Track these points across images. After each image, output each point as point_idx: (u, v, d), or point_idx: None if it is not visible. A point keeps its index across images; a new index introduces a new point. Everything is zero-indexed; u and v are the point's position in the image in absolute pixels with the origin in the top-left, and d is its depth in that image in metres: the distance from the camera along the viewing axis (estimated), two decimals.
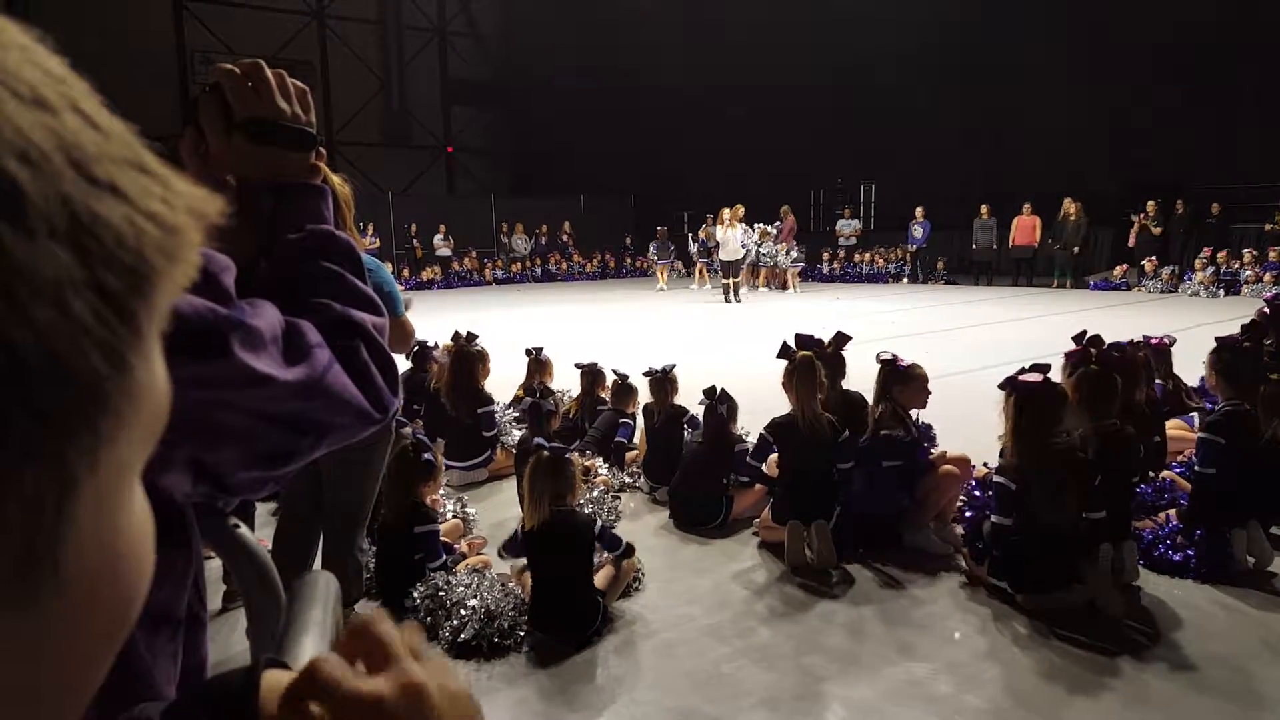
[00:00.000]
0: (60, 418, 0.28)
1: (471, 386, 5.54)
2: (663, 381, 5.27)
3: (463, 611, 3.41)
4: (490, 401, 5.58)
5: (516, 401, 6.19)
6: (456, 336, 5.71)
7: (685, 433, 5.13)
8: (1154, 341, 5.58)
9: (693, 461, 4.77)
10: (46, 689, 0.32)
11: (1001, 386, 3.86)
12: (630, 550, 3.75)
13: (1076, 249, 18.41)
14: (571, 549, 3.49)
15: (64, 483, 0.29)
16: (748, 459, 4.53)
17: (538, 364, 6.22)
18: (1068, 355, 4.46)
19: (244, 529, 1.22)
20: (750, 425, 5.00)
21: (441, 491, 4.59)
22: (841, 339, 4.81)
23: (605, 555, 3.71)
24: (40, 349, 0.27)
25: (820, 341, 4.57)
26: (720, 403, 4.83)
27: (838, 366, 4.74)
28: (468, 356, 5.57)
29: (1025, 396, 3.71)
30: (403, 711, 0.45)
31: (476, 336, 5.76)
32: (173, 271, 0.32)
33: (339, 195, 3.06)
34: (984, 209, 19.28)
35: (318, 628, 0.94)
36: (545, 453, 3.60)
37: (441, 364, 5.71)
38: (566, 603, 3.45)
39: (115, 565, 0.34)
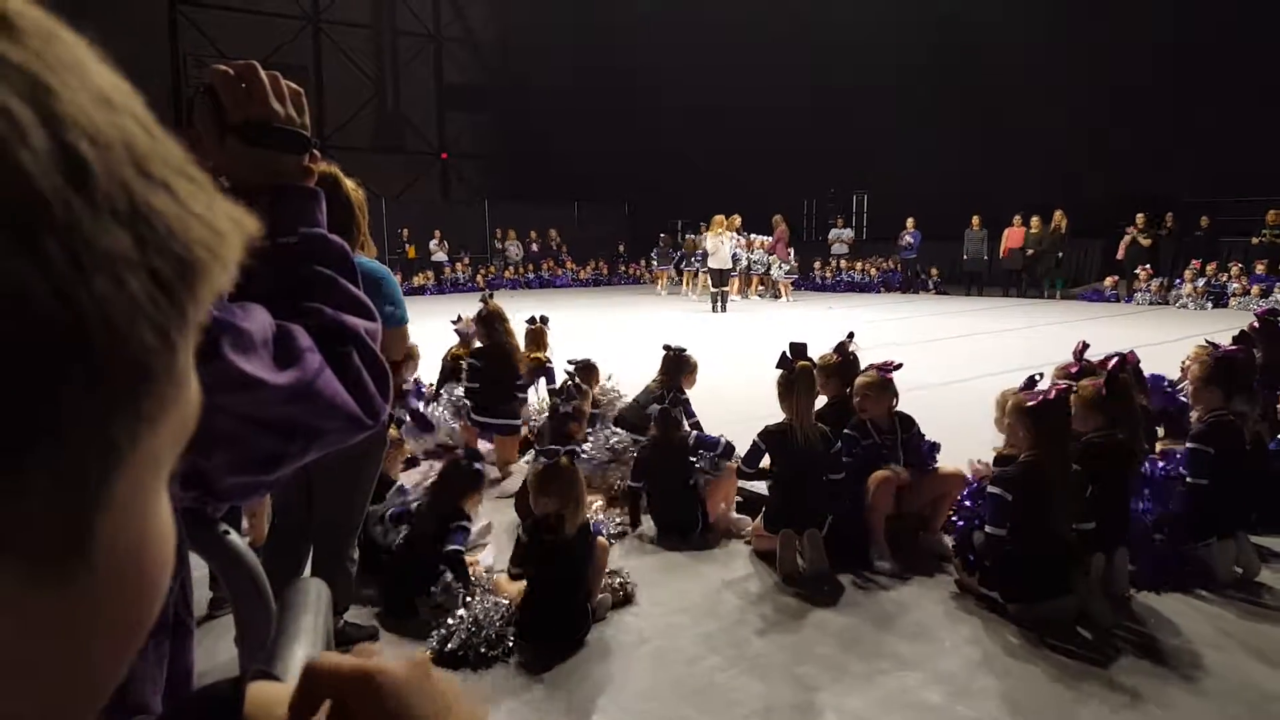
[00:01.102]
0: (110, 384, 0.30)
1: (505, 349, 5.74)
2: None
3: (450, 621, 3.39)
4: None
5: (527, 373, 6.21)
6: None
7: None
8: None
9: (650, 465, 4.76)
10: (75, 674, 0.34)
11: (1022, 401, 3.83)
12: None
13: (1060, 255, 18.55)
14: (570, 557, 3.47)
15: (107, 453, 0.31)
16: (742, 465, 4.53)
17: (535, 334, 6.41)
18: (1064, 366, 4.47)
19: (234, 535, 1.20)
20: (747, 434, 4.99)
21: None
22: (845, 346, 4.86)
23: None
24: (98, 313, 0.29)
25: (804, 348, 4.56)
26: (673, 403, 4.90)
27: (848, 373, 4.77)
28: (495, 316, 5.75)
29: (1046, 408, 3.71)
30: (405, 687, 0.46)
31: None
32: (215, 269, 0.34)
33: (354, 200, 3.07)
34: (975, 220, 19.43)
35: (308, 635, 0.93)
36: (557, 460, 3.57)
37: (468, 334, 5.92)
38: (560, 610, 3.43)
39: (144, 555, 0.35)
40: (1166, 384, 5.45)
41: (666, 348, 5.59)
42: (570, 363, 5.91)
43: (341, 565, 3.34)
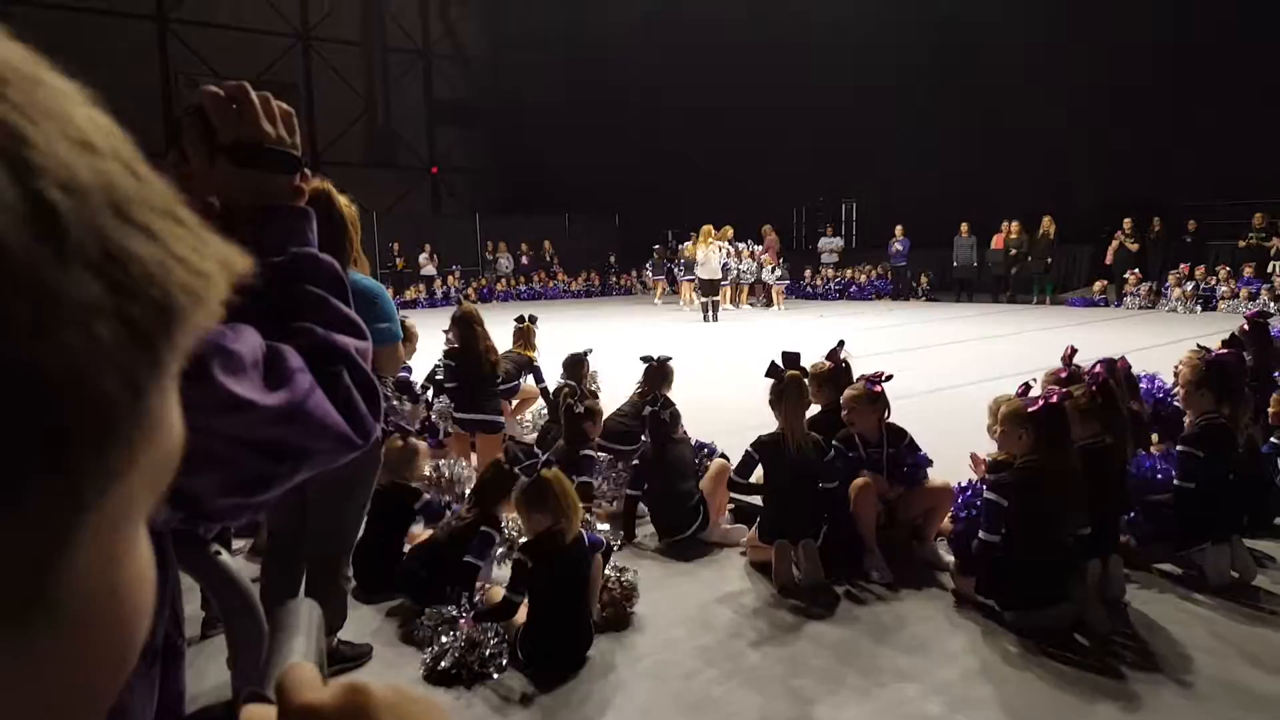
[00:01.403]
0: (74, 437, 0.29)
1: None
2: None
3: (443, 639, 3.37)
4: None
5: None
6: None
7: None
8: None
9: (653, 465, 4.80)
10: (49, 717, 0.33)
11: (1021, 408, 3.83)
12: (608, 550, 3.78)
13: (1049, 260, 18.66)
14: (573, 570, 3.45)
15: (72, 507, 0.30)
16: (734, 475, 4.53)
17: (523, 333, 6.58)
18: (1054, 372, 4.48)
19: (225, 555, 1.20)
20: (740, 444, 5.00)
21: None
22: (837, 353, 4.87)
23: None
24: (62, 367, 0.28)
25: (798, 357, 4.56)
26: (663, 409, 4.93)
27: (840, 381, 4.78)
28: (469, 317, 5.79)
29: (1049, 414, 3.72)
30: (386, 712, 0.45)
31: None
32: (196, 313, 0.34)
33: (346, 216, 3.06)
34: (964, 227, 19.49)
35: (301, 657, 0.92)
36: (539, 474, 3.55)
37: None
38: (568, 629, 3.40)
39: (118, 600, 0.35)
40: (1158, 389, 5.47)
41: (646, 359, 5.60)
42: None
43: (336, 585, 3.33)
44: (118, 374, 0.30)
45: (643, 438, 5.10)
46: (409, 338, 5.42)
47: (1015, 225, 19.04)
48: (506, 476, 3.87)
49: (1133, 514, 4.29)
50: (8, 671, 0.30)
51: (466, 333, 5.65)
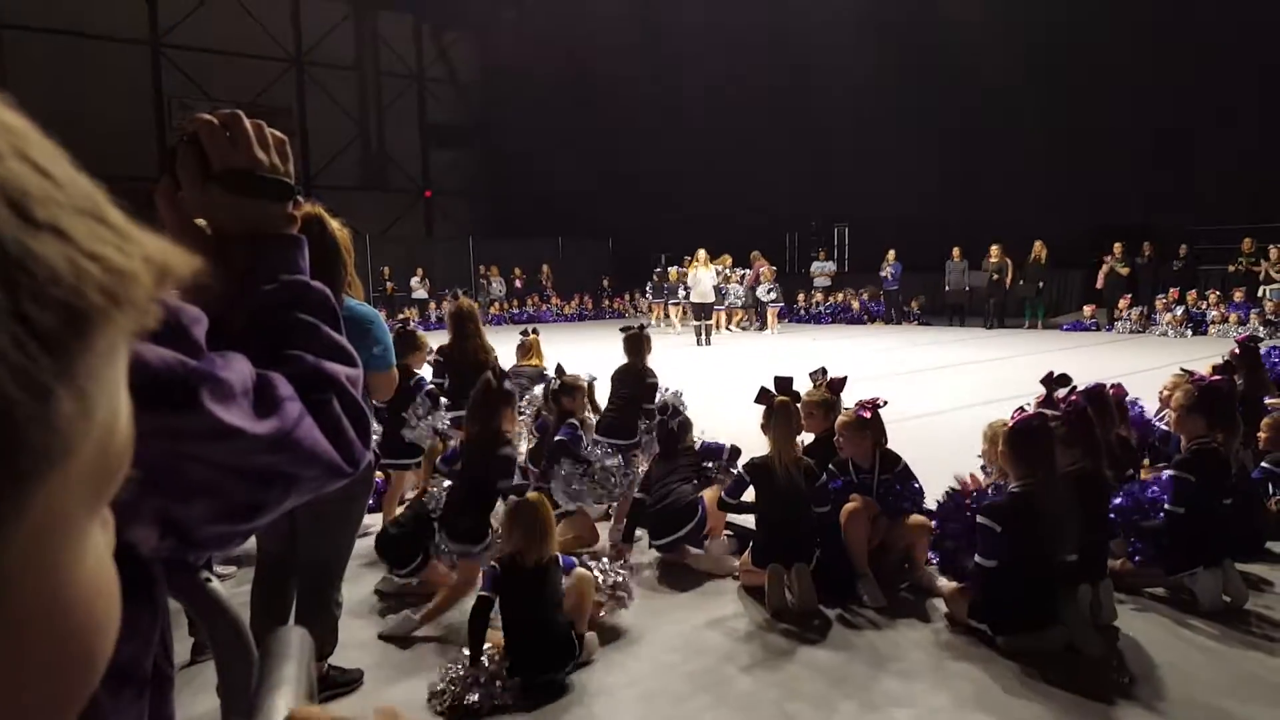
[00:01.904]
0: None
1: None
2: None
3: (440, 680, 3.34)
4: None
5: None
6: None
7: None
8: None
9: (659, 473, 4.92)
10: None
11: (1014, 427, 3.83)
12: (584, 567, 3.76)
13: (1041, 283, 18.76)
14: (539, 592, 3.44)
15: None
16: (724, 497, 4.53)
17: (526, 347, 6.67)
18: (1040, 399, 4.49)
19: (216, 583, 1.19)
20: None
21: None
22: (836, 385, 4.87)
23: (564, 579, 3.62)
24: None
25: (790, 382, 4.58)
26: (671, 417, 5.06)
27: (833, 408, 4.79)
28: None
29: (1027, 431, 3.72)
30: None
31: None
32: (117, 313, 0.32)
33: (336, 239, 3.06)
34: (956, 251, 19.57)
35: (291, 685, 0.92)
36: (524, 498, 3.58)
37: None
38: (543, 644, 3.39)
39: (65, 619, 0.33)
40: (1137, 415, 5.47)
41: (625, 329, 5.88)
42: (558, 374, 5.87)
43: (326, 608, 3.31)
44: (15, 377, 0.29)
45: (641, 425, 5.35)
46: (419, 346, 5.46)
47: (996, 249, 18.80)
48: (498, 392, 4.18)
49: (1132, 543, 4.29)
50: None
51: (460, 328, 5.65)
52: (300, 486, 0.90)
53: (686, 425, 5.09)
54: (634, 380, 5.61)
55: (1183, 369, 5.26)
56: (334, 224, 3.09)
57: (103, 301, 0.32)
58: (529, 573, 3.42)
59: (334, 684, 3.40)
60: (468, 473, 4.28)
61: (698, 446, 5.19)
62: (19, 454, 0.30)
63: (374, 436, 4.56)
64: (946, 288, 20.07)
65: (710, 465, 5.06)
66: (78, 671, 0.35)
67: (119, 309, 0.33)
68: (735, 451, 5.06)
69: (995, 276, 18.81)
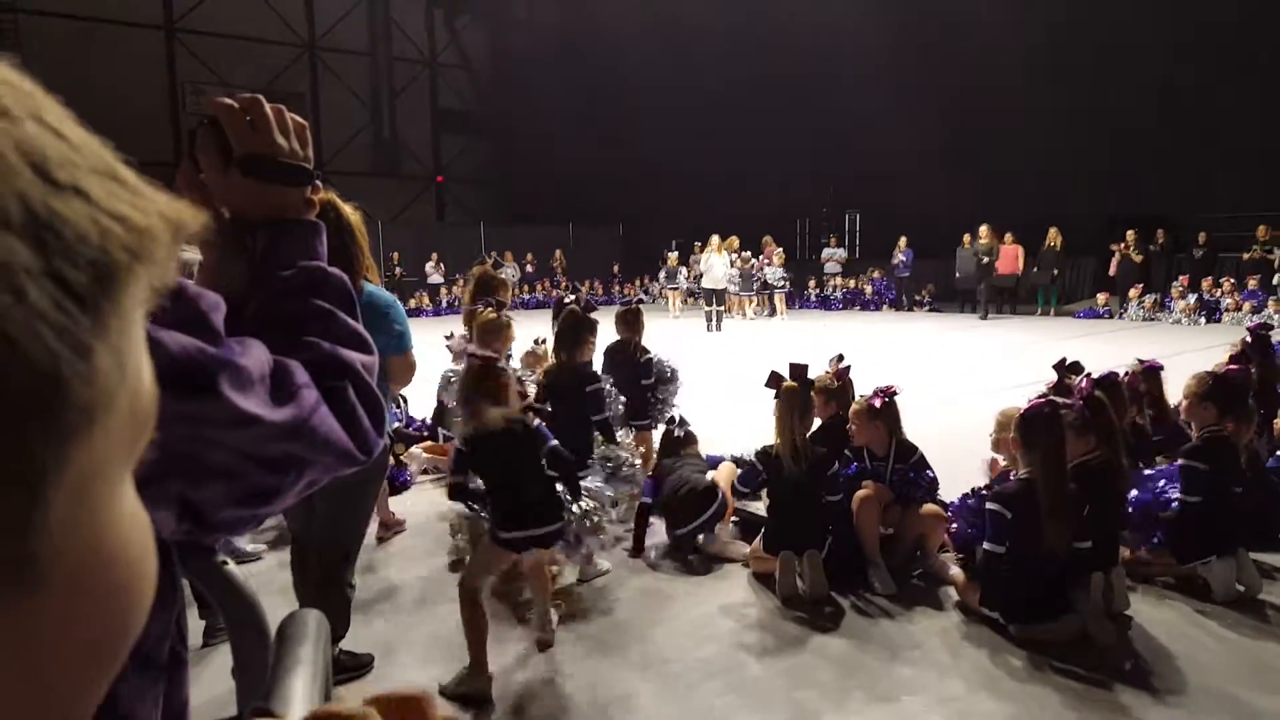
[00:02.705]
0: (20, 401, 0.29)
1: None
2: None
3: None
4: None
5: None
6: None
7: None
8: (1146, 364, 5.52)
9: (668, 464, 4.99)
10: (39, 696, 0.33)
11: (1023, 414, 3.81)
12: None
13: (1055, 271, 18.60)
14: (515, 449, 3.41)
15: (33, 471, 0.30)
16: (737, 484, 4.55)
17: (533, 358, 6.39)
18: (1051, 385, 4.46)
19: (233, 566, 1.20)
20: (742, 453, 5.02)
21: None
22: (844, 371, 4.86)
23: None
24: None
25: (805, 369, 4.56)
26: (680, 426, 5.18)
27: (843, 395, 4.78)
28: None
29: (1035, 420, 3.71)
30: None
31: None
32: (141, 270, 0.33)
33: (351, 223, 3.09)
34: (966, 238, 19.22)
35: (306, 667, 0.92)
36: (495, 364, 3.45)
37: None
38: (525, 502, 3.41)
39: (106, 569, 0.35)
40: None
41: (625, 302, 5.92)
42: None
43: (339, 591, 3.33)
44: (57, 334, 0.30)
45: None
46: (506, 328, 5.20)
47: (985, 229, 17.98)
48: (585, 321, 4.52)
49: (1155, 536, 4.27)
50: (10, 630, 0.31)
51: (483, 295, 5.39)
52: (314, 472, 0.91)
53: (693, 437, 5.13)
54: (628, 361, 5.56)
55: (1138, 360, 5.26)
56: (346, 207, 3.10)
57: (127, 259, 0.33)
58: (498, 437, 3.35)
59: (344, 668, 3.42)
60: (559, 405, 4.17)
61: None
62: (66, 410, 0.31)
63: (394, 423, 4.54)
64: (957, 274, 19.81)
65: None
66: (123, 622, 0.37)
67: (142, 265, 0.33)
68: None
69: (984, 260, 17.88)
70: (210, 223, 1.05)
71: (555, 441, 3.50)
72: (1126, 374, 4.91)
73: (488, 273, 5.48)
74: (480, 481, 3.55)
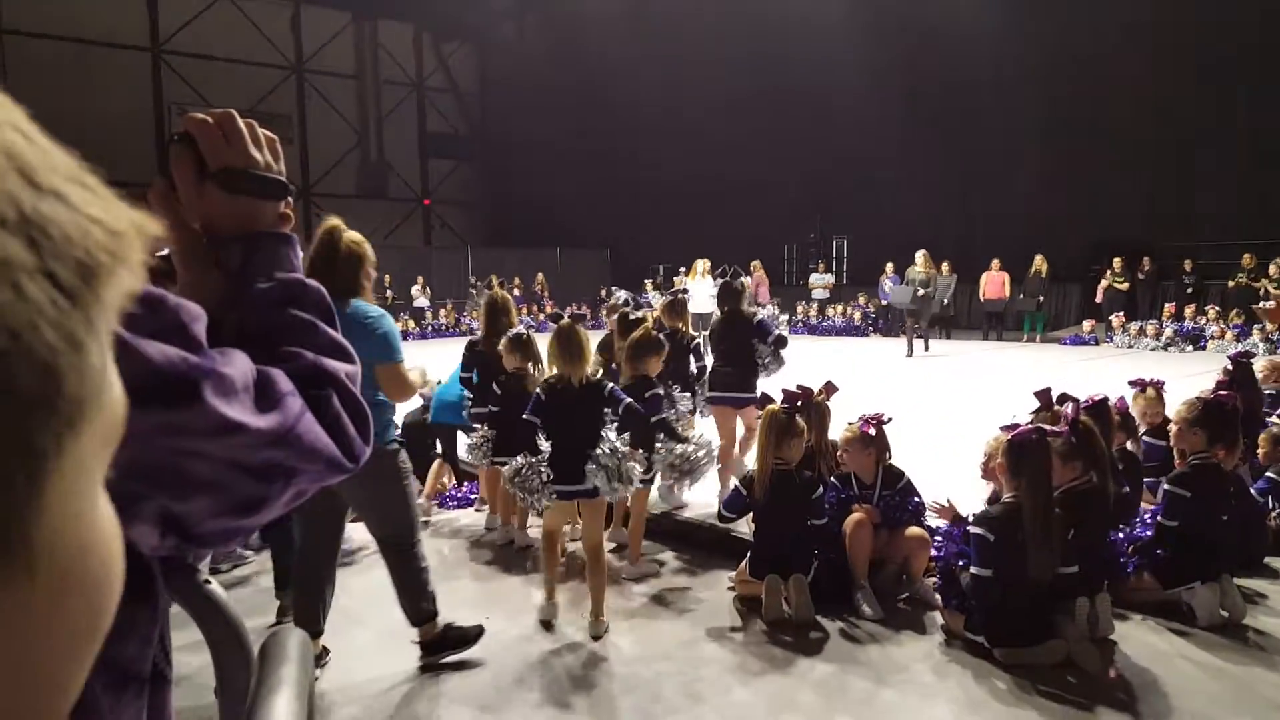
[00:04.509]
0: (22, 391, 0.31)
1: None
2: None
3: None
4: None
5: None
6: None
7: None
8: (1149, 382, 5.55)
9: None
10: (27, 683, 0.34)
11: (1011, 440, 3.82)
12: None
13: (1041, 298, 18.71)
14: (580, 407, 4.01)
15: (33, 459, 0.32)
16: (723, 510, 4.53)
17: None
18: (1035, 411, 4.49)
19: (215, 585, 1.19)
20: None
21: None
22: (830, 389, 4.85)
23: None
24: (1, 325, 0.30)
25: (810, 392, 4.57)
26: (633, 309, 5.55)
27: (823, 417, 4.77)
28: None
29: (1025, 447, 3.72)
30: None
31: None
32: (119, 271, 0.35)
33: (358, 253, 3.41)
34: (945, 266, 18.83)
35: (290, 686, 0.91)
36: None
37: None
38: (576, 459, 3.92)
39: (87, 559, 0.36)
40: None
41: (672, 291, 6.22)
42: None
43: (414, 575, 3.65)
44: (55, 329, 0.31)
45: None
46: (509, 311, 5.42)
47: (922, 256, 15.91)
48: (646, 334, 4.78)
49: (1130, 564, 4.28)
50: (3, 615, 0.32)
51: (497, 324, 5.35)
52: (301, 481, 0.90)
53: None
54: (678, 348, 5.63)
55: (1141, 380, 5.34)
56: (353, 235, 3.42)
57: (108, 260, 0.34)
58: (573, 392, 3.98)
59: (455, 642, 3.69)
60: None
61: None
62: (62, 401, 0.32)
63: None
64: (883, 302, 19.50)
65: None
66: (97, 615, 0.38)
67: (120, 267, 0.35)
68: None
69: (920, 292, 15.61)
70: (185, 238, 1.05)
71: (629, 399, 4.08)
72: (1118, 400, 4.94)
73: (495, 297, 5.54)
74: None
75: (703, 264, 17.70)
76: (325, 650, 3.69)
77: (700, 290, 17.43)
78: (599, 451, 3.95)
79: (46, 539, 0.33)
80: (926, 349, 16.23)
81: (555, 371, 4.12)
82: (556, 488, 3.98)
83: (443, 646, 3.68)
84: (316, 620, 3.56)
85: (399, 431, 3.77)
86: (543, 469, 4.00)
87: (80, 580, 0.36)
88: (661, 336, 5.06)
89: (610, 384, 4.11)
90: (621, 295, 6.75)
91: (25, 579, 0.32)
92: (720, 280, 7.14)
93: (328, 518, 3.63)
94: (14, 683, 0.34)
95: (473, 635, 3.72)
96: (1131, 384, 5.58)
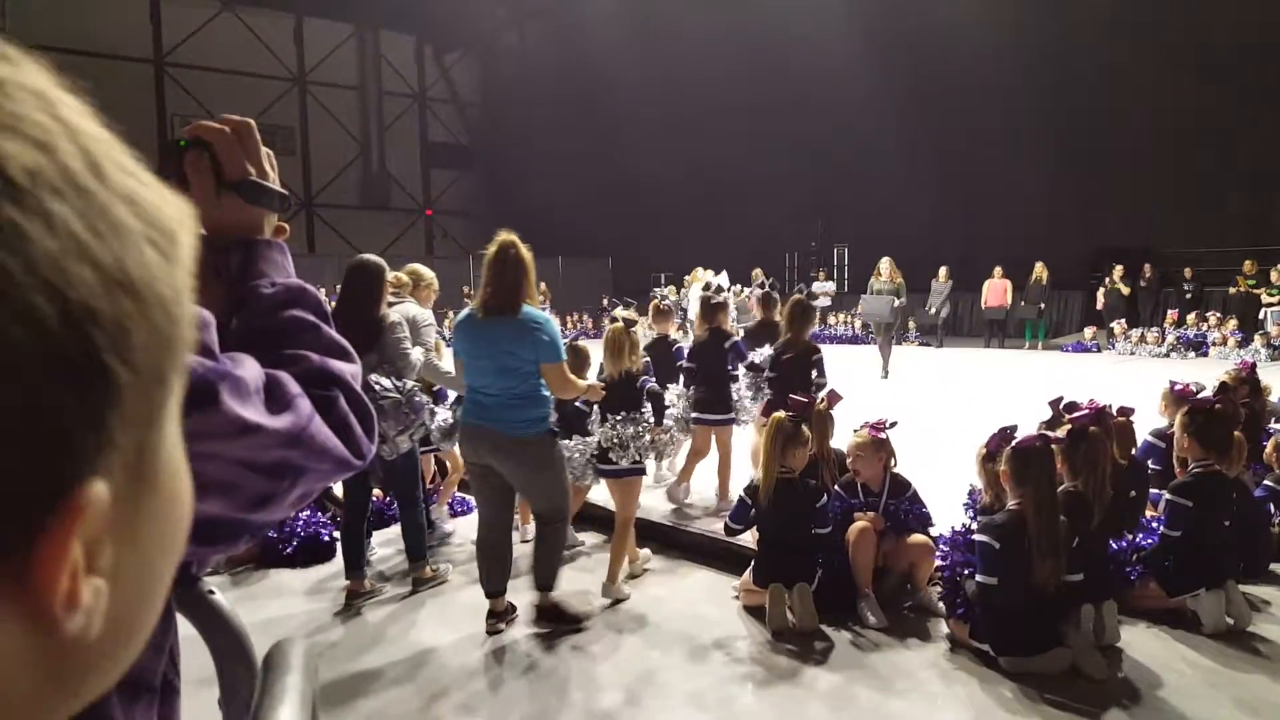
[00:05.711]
0: (160, 330, 0.37)
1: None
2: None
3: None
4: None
5: None
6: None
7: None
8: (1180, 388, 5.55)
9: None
10: (146, 571, 0.41)
11: (1014, 446, 3.82)
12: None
13: (1042, 305, 18.68)
14: (625, 393, 4.47)
15: (165, 392, 0.38)
16: (729, 522, 4.51)
17: None
18: (1047, 421, 4.48)
19: (218, 595, 1.19)
20: (734, 488, 5.00)
21: None
22: (833, 397, 4.85)
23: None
24: (140, 279, 0.36)
25: (811, 403, 4.57)
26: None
27: (826, 425, 4.77)
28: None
29: (1029, 454, 3.72)
30: None
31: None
32: (185, 237, 0.40)
33: (527, 263, 3.95)
34: (943, 272, 18.79)
35: (294, 696, 0.91)
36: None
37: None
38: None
39: (180, 479, 0.43)
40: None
41: (711, 289, 6.45)
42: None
43: (553, 549, 4.12)
44: (170, 281, 0.37)
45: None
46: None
47: (886, 263, 14.42)
48: (630, 337, 4.77)
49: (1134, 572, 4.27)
50: (135, 518, 0.38)
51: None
52: (308, 480, 0.92)
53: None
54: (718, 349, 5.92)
55: (1171, 382, 5.32)
56: (522, 247, 3.96)
57: (178, 227, 0.40)
58: (617, 382, 4.45)
59: (568, 619, 4.11)
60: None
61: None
62: (180, 342, 0.38)
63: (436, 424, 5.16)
64: (930, 310, 19.53)
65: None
66: (181, 533, 0.44)
67: (186, 234, 0.41)
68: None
69: (897, 303, 14.15)
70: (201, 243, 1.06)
71: (653, 381, 4.61)
72: (1118, 410, 4.92)
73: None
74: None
75: (701, 272, 17.72)
76: (512, 607, 4.19)
77: (697, 300, 17.43)
78: (623, 434, 4.41)
79: (164, 460, 0.40)
80: (886, 374, 13.91)
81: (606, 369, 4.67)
82: (599, 466, 4.55)
83: (550, 617, 4.13)
84: (502, 583, 4.12)
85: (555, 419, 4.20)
86: (589, 451, 4.61)
87: (179, 496, 0.42)
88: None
89: (644, 376, 4.58)
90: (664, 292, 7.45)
91: (153, 494, 0.39)
92: (761, 291, 7.21)
93: (500, 497, 4.15)
94: (148, 575, 0.41)
95: (582, 617, 4.17)
96: (1172, 384, 5.61)
